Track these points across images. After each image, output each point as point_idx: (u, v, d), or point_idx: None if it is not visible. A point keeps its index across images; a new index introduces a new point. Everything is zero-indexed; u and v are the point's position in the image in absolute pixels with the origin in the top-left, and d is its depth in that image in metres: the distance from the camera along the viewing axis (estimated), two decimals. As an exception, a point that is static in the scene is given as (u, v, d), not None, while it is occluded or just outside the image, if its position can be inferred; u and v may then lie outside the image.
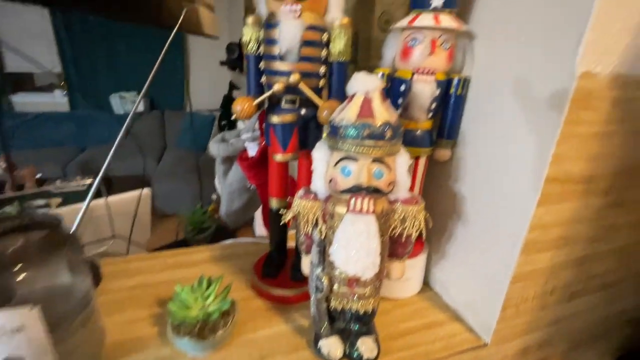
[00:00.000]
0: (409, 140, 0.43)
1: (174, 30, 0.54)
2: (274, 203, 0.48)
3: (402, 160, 0.33)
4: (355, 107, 0.31)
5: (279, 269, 0.52)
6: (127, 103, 3.16)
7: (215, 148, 0.64)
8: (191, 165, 2.66)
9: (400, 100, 0.42)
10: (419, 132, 0.43)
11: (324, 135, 0.35)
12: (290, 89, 0.39)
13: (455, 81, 0.41)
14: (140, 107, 3.18)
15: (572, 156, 0.34)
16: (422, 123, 0.42)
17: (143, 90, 0.60)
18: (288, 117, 0.38)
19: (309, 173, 0.46)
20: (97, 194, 0.65)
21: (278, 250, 0.52)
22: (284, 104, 0.42)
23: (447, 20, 0.37)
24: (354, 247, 0.33)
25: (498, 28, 0.38)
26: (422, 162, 0.45)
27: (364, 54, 0.55)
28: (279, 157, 0.40)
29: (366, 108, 0.30)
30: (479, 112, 0.42)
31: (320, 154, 0.33)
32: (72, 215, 0.48)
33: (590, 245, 0.43)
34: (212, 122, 3.07)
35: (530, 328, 0.45)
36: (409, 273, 0.48)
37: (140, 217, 0.67)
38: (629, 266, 0.49)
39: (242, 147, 0.64)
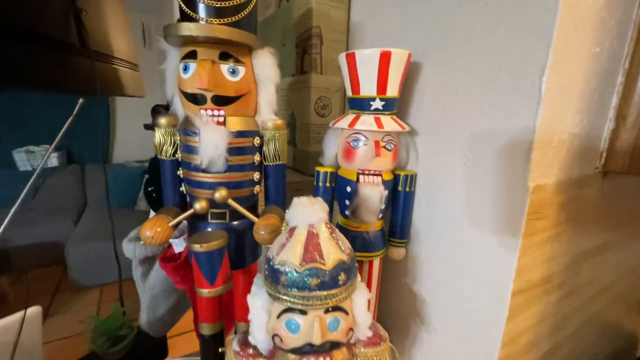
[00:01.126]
0: (361, 246, 0.38)
1: (74, 117, 0.44)
2: (205, 329, 0.38)
3: (361, 298, 0.27)
4: (298, 246, 0.25)
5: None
6: (36, 158, 2.75)
7: (130, 249, 0.52)
8: (119, 225, 2.34)
9: (347, 202, 0.38)
10: (370, 234, 0.38)
11: (263, 271, 0.28)
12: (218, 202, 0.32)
13: (402, 178, 0.39)
14: (54, 162, 2.80)
15: (532, 264, 0.32)
16: (373, 225, 0.38)
17: (51, 147, 0.48)
18: (215, 244, 0.30)
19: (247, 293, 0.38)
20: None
21: (214, 384, 0.41)
22: (210, 218, 0.35)
23: (390, 123, 0.35)
24: (310, 422, 0.25)
25: (437, 133, 0.37)
26: (376, 264, 0.40)
27: (302, 138, 0.51)
28: (205, 292, 0.32)
29: (312, 248, 0.24)
30: (429, 211, 0.39)
31: (258, 301, 0.26)
32: None
33: (551, 338, 0.41)
34: (143, 174, 2.80)
35: None
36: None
37: (24, 347, 0.49)
38: (582, 343, 0.49)
39: (164, 244, 0.54)
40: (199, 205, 0.31)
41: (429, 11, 0.36)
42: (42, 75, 0.72)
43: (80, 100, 0.43)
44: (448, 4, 0.34)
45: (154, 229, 0.30)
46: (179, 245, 0.54)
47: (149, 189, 1.20)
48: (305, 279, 0.24)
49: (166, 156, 0.34)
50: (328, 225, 0.26)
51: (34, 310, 0.55)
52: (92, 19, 0.84)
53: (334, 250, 0.25)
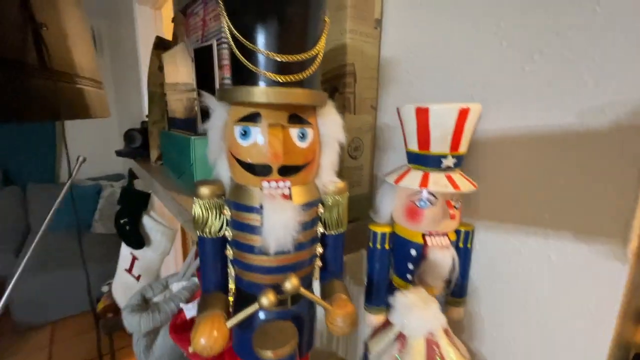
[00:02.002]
0: (427, 313, 0.34)
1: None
2: None
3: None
4: (419, 358, 0.20)
5: None
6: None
7: (135, 322, 0.43)
8: (70, 252, 2.07)
9: (410, 266, 0.34)
10: (437, 299, 0.35)
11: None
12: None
13: (463, 234, 0.36)
14: (-14, 183, 2.43)
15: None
16: (439, 289, 0.35)
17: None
18: (288, 348, 0.25)
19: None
20: None
21: None
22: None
23: (464, 182, 0.31)
24: None
25: (504, 187, 0.34)
26: (438, 329, 0.37)
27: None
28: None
29: (437, 364, 0.20)
30: (489, 265, 0.37)
31: None
32: None
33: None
34: (98, 193, 2.54)
35: None
36: None
37: None
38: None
39: (174, 310, 0.45)
40: (267, 301, 0.25)
41: (489, 58, 0.34)
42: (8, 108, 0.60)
43: (81, 159, 0.35)
44: (514, 52, 0.32)
45: (212, 335, 0.24)
46: (191, 310, 0.46)
47: (122, 221, 1.06)
48: (438, 407, 0.20)
49: (209, 233, 0.28)
50: (448, 333, 0.22)
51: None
52: (54, 35, 0.72)
53: (458, 358, 0.21)
